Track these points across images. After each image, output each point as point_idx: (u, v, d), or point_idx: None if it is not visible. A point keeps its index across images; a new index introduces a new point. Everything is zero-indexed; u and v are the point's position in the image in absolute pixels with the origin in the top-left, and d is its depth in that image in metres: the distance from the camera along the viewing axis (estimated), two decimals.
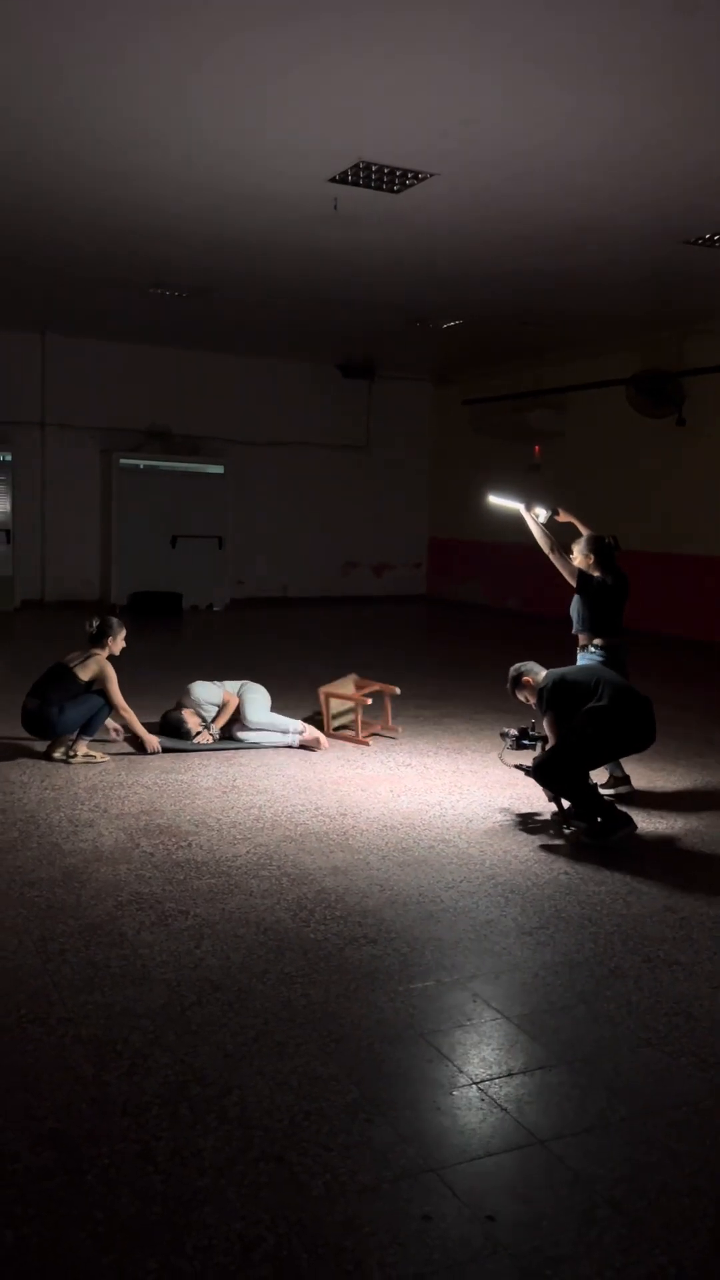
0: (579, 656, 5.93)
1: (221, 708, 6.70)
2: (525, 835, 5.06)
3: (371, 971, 3.52)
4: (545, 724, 5.24)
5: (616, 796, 5.75)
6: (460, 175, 7.22)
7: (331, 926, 3.88)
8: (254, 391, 15.72)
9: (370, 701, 7.05)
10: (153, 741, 6.38)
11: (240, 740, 6.68)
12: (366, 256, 9.54)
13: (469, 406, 16.19)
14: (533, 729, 5.91)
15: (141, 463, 14.70)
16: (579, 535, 6.12)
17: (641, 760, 6.21)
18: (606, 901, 4.27)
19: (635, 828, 5.00)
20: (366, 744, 6.93)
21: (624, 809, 5.19)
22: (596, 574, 5.76)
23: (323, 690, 7.13)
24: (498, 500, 6.18)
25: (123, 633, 6.43)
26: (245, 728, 6.71)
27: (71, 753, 6.15)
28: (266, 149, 6.89)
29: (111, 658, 6.33)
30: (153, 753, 6.33)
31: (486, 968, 3.58)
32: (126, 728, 6.39)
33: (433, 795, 5.72)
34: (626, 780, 5.84)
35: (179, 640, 12.31)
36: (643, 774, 6.14)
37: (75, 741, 6.17)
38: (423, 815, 5.35)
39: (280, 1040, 3.05)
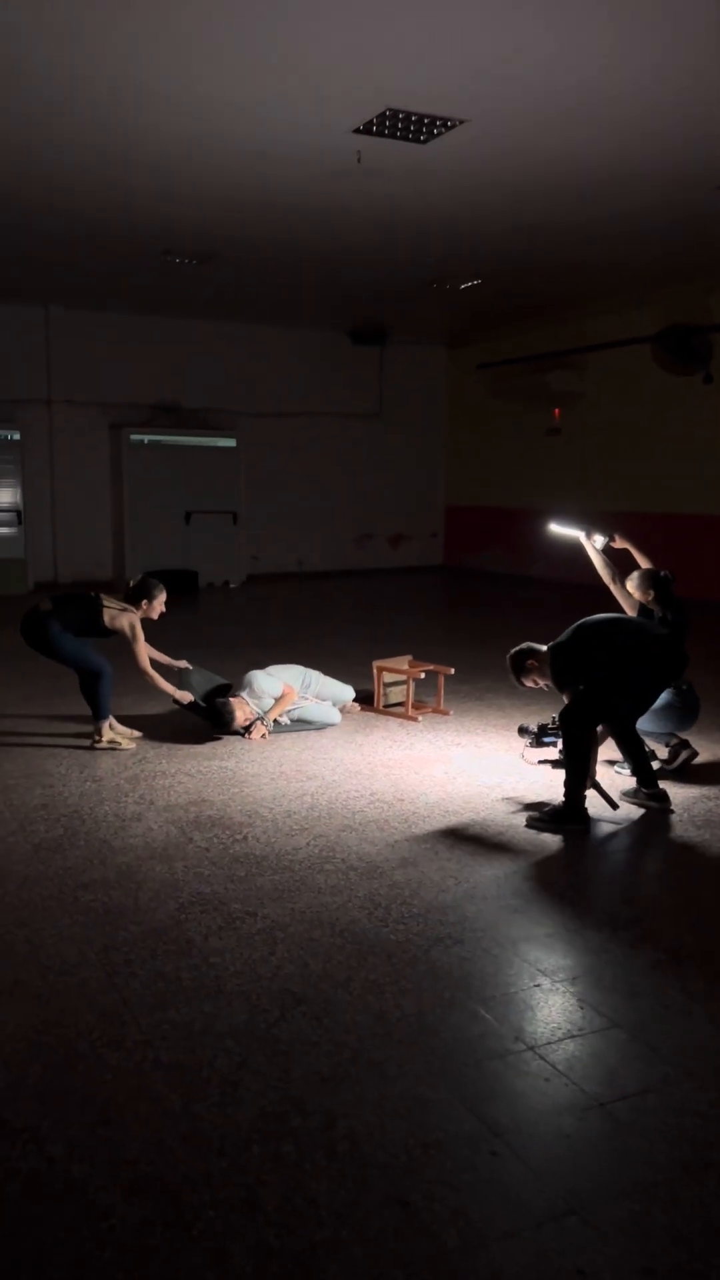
0: None
1: (279, 699, 6.35)
2: (594, 815, 4.78)
3: (464, 976, 3.25)
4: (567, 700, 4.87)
5: (683, 764, 5.49)
6: (492, 120, 6.85)
7: (412, 925, 3.61)
8: (263, 361, 15.34)
9: (423, 676, 6.77)
10: (185, 696, 6.13)
11: (286, 722, 6.44)
12: (387, 214, 9.16)
13: (484, 370, 15.79)
14: (554, 723, 5.66)
15: (152, 438, 14.35)
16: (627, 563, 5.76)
17: (700, 733, 5.92)
18: (698, 888, 3.99)
19: (588, 832, 4.62)
20: (415, 720, 6.66)
21: (662, 786, 4.97)
22: (656, 609, 5.44)
23: (377, 664, 6.87)
24: (558, 529, 5.87)
25: (162, 596, 6.03)
26: (308, 699, 6.50)
27: (96, 737, 5.88)
28: (287, 99, 6.53)
29: (146, 621, 5.99)
30: (188, 704, 6.12)
31: (587, 968, 3.30)
32: (153, 686, 5.97)
33: (489, 776, 5.45)
34: (686, 744, 5.56)
35: (198, 620, 12.01)
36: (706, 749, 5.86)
37: (97, 726, 5.89)
38: (484, 799, 5.07)
39: (379, 1060, 2.78)
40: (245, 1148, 2.41)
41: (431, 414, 16.91)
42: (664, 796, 4.89)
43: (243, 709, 6.15)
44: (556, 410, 14.62)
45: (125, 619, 5.88)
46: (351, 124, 6.94)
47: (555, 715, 5.36)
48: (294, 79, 6.22)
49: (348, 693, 6.80)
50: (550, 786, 5.22)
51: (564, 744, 4.70)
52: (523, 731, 5.78)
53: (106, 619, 5.86)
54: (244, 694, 6.29)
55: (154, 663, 6.04)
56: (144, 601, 5.97)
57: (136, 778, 5.37)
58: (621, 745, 5.01)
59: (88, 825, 4.64)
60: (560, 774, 5.21)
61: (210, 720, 6.13)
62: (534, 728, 5.72)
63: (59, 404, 14.12)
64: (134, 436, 14.20)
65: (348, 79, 6.22)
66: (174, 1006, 3.04)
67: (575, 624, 5.00)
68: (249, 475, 15.07)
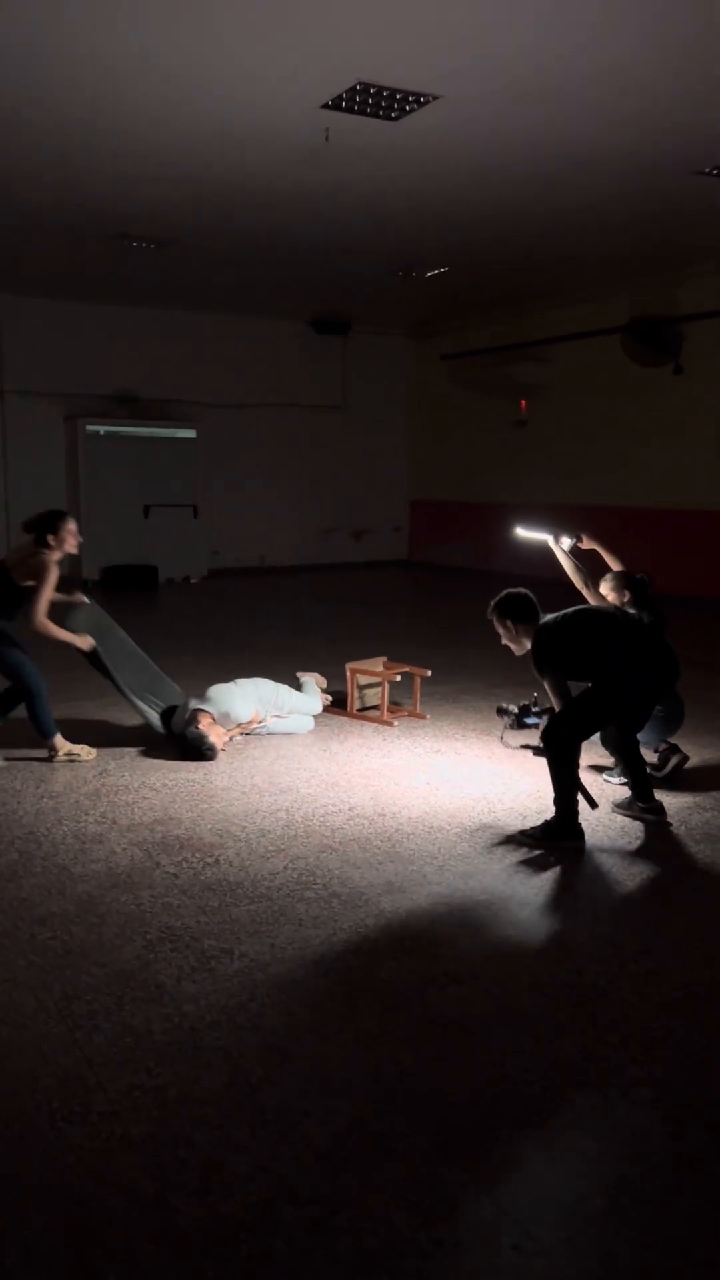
0: None
1: (243, 724, 5.94)
2: (589, 828, 4.49)
3: (466, 1024, 2.94)
4: (547, 686, 4.49)
5: (673, 770, 5.23)
6: (466, 96, 6.52)
7: (403, 962, 3.30)
8: (224, 351, 14.93)
9: (399, 679, 6.46)
10: (85, 641, 5.58)
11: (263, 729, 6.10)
12: (354, 197, 8.82)
13: (449, 362, 15.50)
14: (535, 703, 5.39)
15: (109, 429, 13.89)
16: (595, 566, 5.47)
17: (686, 736, 5.67)
18: (704, 910, 3.72)
19: (583, 848, 4.33)
20: (390, 725, 6.35)
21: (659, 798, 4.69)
22: (633, 612, 5.16)
23: (350, 666, 6.55)
24: (525, 533, 5.57)
25: (71, 525, 5.33)
26: (277, 717, 6.12)
27: (52, 753, 5.48)
28: (254, 72, 6.17)
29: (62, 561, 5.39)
30: (90, 650, 5.60)
31: (605, 1018, 3.00)
32: (47, 636, 5.34)
33: (473, 787, 5.15)
34: (675, 749, 5.30)
35: (160, 617, 11.62)
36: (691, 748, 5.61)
37: (49, 744, 5.49)
38: (469, 812, 4.77)
39: (381, 1131, 2.46)
40: (233, 1249, 2.08)
41: (395, 406, 16.59)
42: (660, 809, 4.62)
43: (216, 731, 5.71)
44: (523, 402, 14.36)
45: (39, 562, 5.21)
46: (321, 99, 6.59)
47: (536, 694, 5.09)
48: (262, 50, 5.86)
49: (318, 705, 6.45)
50: (538, 798, 4.93)
51: (550, 754, 4.37)
52: (502, 712, 5.46)
53: (18, 577, 5.26)
54: (208, 708, 5.78)
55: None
56: (50, 536, 5.29)
57: (97, 793, 5.01)
58: (621, 757, 4.73)
59: (44, 849, 4.28)
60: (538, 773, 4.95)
61: (189, 756, 5.60)
62: (514, 708, 5.42)
63: (11, 394, 13.63)
64: (90, 428, 13.74)
65: (318, 50, 5.88)
66: (144, 1068, 2.70)
67: (574, 609, 4.64)
68: (209, 468, 14.66)
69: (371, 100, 6.61)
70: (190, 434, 14.43)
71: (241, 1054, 2.77)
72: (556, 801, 4.34)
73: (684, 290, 11.81)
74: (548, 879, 4.00)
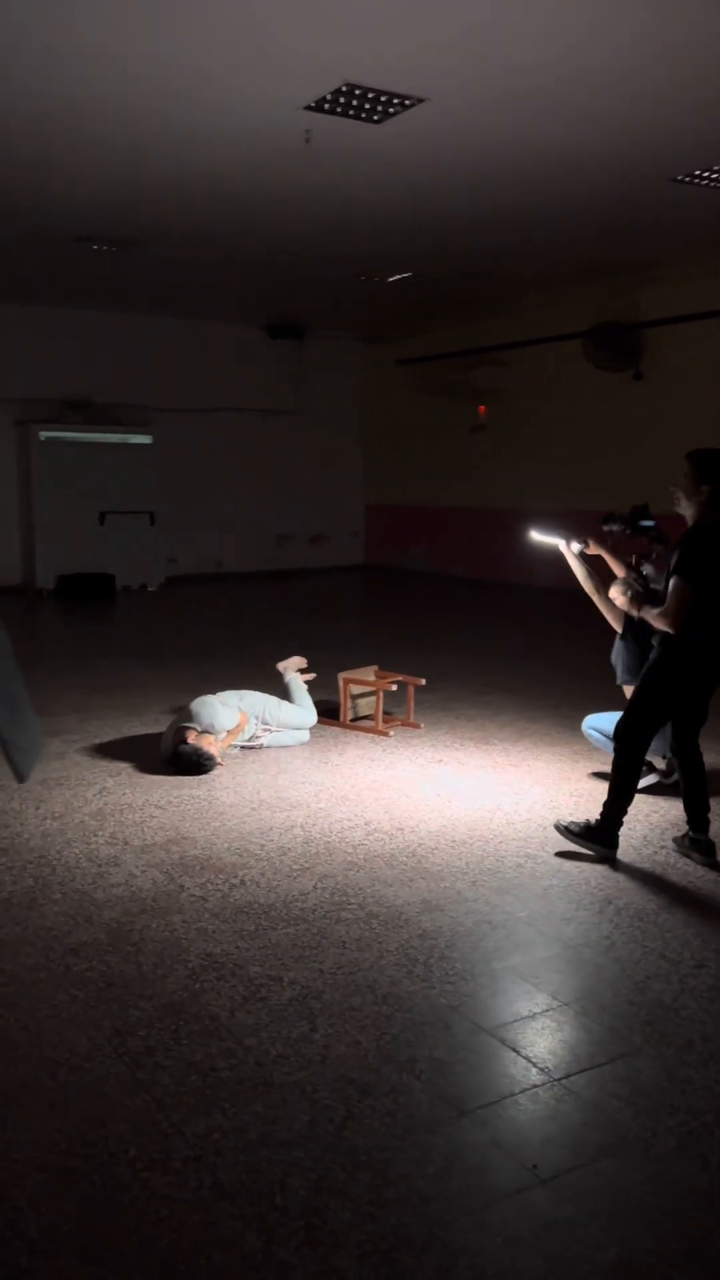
0: None
1: (231, 730, 5.78)
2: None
3: (538, 1049, 2.86)
4: (672, 589, 4.03)
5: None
6: (453, 99, 6.45)
7: (461, 986, 3.20)
8: (177, 356, 14.73)
9: (395, 688, 6.36)
10: None
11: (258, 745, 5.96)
12: (327, 200, 8.71)
13: (405, 367, 15.46)
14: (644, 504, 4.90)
15: (63, 434, 13.59)
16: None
17: None
18: None
19: (612, 860, 4.24)
20: (386, 735, 6.26)
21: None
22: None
23: (342, 676, 6.44)
24: (539, 536, 5.42)
25: None
26: (267, 730, 5.97)
27: None
28: (239, 69, 6.01)
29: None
30: None
31: (677, 1035, 2.94)
32: None
33: (486, 798, 5.07)
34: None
35: (119, 626, 11.40)
36: None
37: None
38: (488, 824, 4.70)
39: (477, 1165, 2.37)
40: None
41: (350, 411, 16.51)
42: (711, 849, 4.30)
43: (206, 741, 5.53)
44: (481, 407, 14.38)
45: None
46: (306, 99, 6.47)
47: (649, 556, 4.72)
48: (248, 46, 5.72)
49: (312, 717, 6.32)
50: (553, 808, 4.87)
51: (617, 756, 4.27)
52: (610, 519, 4.86)
53: None
54: (192, 724, 5.59)
55: None
56: None
57: (102, 813, 4.84)
58: (683, 765, 4.45)
59: (59, 874, 4.11)
60: (547, 781, 4.90)
61: (187, 772, 5.42)
62: (622, 513, 4.83)
63: None
64: (43, 433, 13.44)
65: (306, 48, 5.76)
66: (219, 1108, 2.57)
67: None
68: (165, 473, 14.43)
69: (356, 102, 6.51)
70: (146, 439, 14.19)
71: (316, 1089, 2.65)
72: (607, 805, 4.25)
73: (646, 296, 11.91)
74: (584, 893, 3.93)
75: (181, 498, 14.81)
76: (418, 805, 4.96)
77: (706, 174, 8.02)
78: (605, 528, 5.01)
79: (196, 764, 5.41)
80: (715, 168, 7.87)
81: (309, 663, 6.81)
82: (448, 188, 8.35)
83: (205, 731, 5.58)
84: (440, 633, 10.39)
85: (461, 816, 4.80)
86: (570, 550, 5.19)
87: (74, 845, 4.41)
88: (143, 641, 9.81)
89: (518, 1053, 2.83)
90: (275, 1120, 2.53)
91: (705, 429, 11.51)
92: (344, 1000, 3.11)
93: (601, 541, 5.33)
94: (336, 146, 7.32)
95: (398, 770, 5.57)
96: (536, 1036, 2.92)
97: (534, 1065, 2.78)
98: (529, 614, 11.76)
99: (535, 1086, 2.68)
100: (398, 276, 11.84)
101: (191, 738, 5.50)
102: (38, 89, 6.27)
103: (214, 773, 5.45)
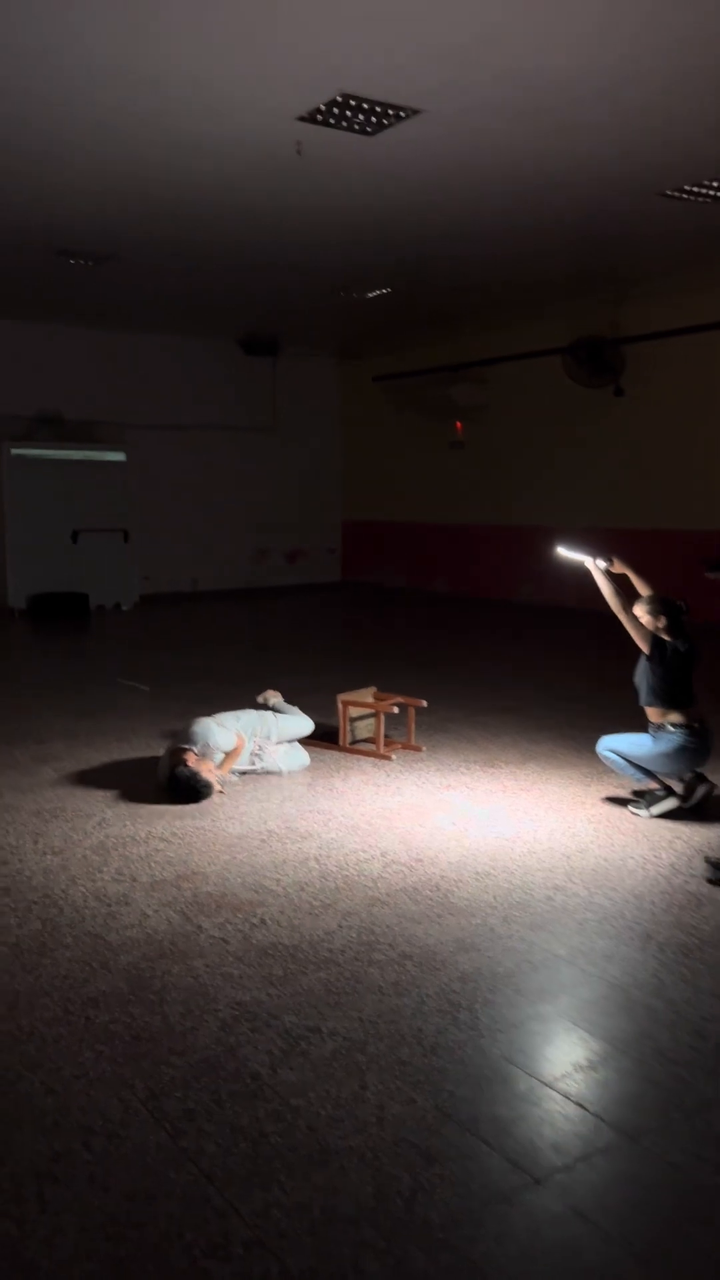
0: (654, 740, 5.07)
1: (229, 754, 5.60)
2: (637, 866, 4.30)
3: (605, 1102, 2.68)
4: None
5: (701, 800, 5.07)
6: (447, 110, 6.35)
7: (511, 1035, 3.02)
8: (151, 372, 14.54)
9: (396, 710, 6.18)
10: None
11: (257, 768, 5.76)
12: (313, 213, 8.58)
13: (381, 383, 15.36)
14: None
15: (34, 452, 13.32)
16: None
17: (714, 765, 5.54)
18: None
19: None
20: (389, 758, 6.08)
21: None
22: (668, 638, 5.01)
23: (341, 698, 6.26)
24: (566, 553, 5.37)
25: None
26: (264, 751, 5.78)
27: None
28: (232, 78, 5.88)
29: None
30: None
31: None
32: None
33: (502, 826, 4.90)
34: (703, 778, 5.14)
35: (96, 647, 11.13)
36: None
37: None
38: (509, 854, 4.52)
39: (564, 1241, 2.18)
40: None
41: (326, 428, 16.39)
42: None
43: (205, 767, 5.33)
44: (459, 424, 14.29)
45: None
46: (299, 110, 6.34)
47: None
48: (244, 55, 5.58)
49: (309, 724, 6.17)
50: (573, 836, 4.72)
51: None
52: (717, 567, 5.27)
53: None
54: (195, 749, 5.41)
55: None
56: None
57: (104, 846, 4.61)
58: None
59: (67, 914, 3.88)
60: (562, 808, 4.75)
61: (184, 799, 5.22)
62: None
63: None
64: (15, 451, 13.15)
65: (302, 57, 5.63)
66: (275, 1181, 2.37)
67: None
68: (139, 491, 14.18)
69: (350, 113, 6.39)
70: (119, 456, 13.95)
71: (377, 1156, 2.46)
72: None
73: (626, 311, 11.88)
74: (622, 928, 3.77)
75: (155, 516, 14.58)
76: (433, 835, 4.78)
77: (695, 188, 7.98)
78: (711, 575, 5.11)
79: (192, 790, 5.20)
80: (705, 182, 7.83)
81: (292, 687, 6.66)
82: (437, 200, 8.25)
83: (202, 755, 5.38)
84: (426, 651, 10.23)
85: (480, 846, 4.62)
86: (596, 567, 5.07)
87: (79, 883, 4.18)
88: (123, 662, 9.55)
89: (584, 1108, 2.65)
90: (337, 1193, 2.33)
91: (685, 445, 11.50)
92: (391, 1052, 2.91)
93: (625, 563, 5.23)
94: (327, 157, 7.19)
95: (406, 796, 5.39)
96: (601, 1089, 2.75)
97: (604, 1121, 2.60)
98: (513, 631, 11.65)
99: (610, 1146, 2.50)
100: (376, 292, 11.73)
101: (190, 760, 5.29)
102: (22, 95, 6.09)
103: (217, 802, 5.24)
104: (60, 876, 4.26)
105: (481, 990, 3.28)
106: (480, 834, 4.79)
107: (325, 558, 16.64)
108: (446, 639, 11.24)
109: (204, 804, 5.20)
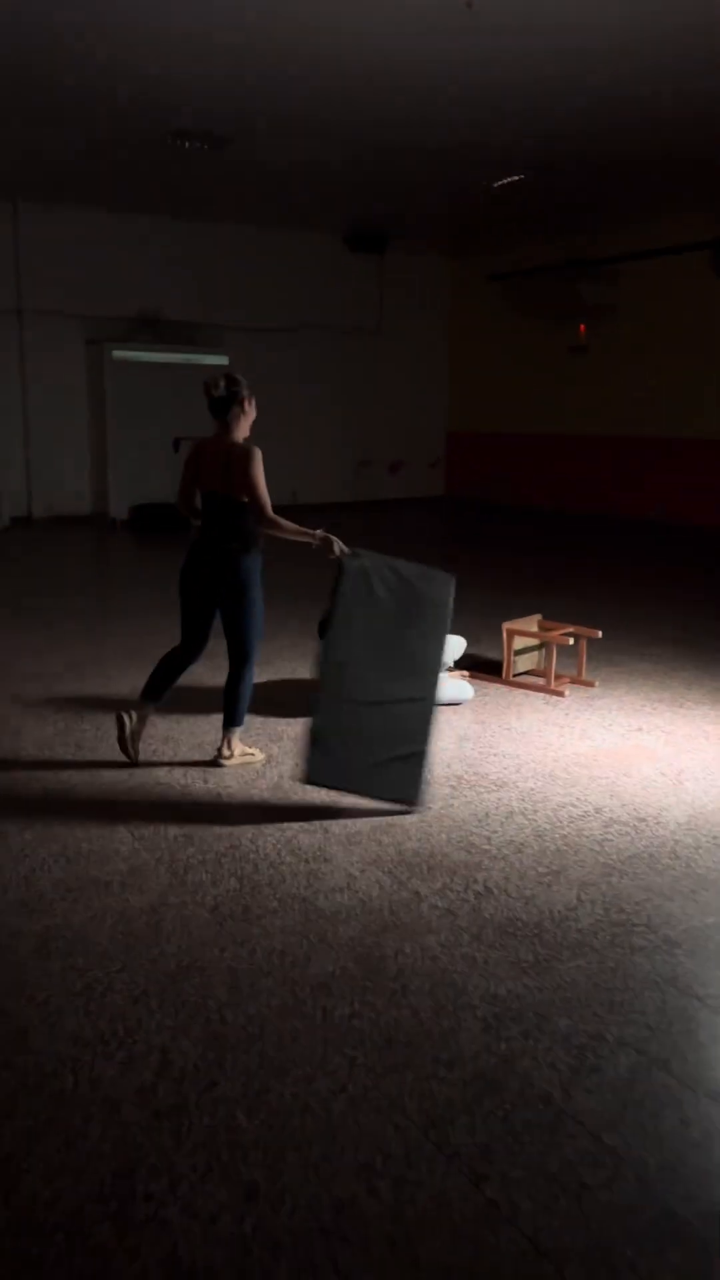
0: None
1: None
2: None
3: None
4: None
5: None
6: None
7: None
8: (253, 269, 13.77)
9: (571, 643, 5.61)
10: (336, 542, 4.43)
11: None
12: (472, 81, 7.68)
13: (498, 282, 14.42)
14: None
15: (136, 355, 12.72)
16: None
17: None
18: None
19: None
20: (561, 694, 5.53)
21: None
22: None
23: (507, 626, 5.70)
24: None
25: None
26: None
27: (227, 753, 4.42)
28: None
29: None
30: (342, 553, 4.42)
31: None
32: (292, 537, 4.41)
33: None
34: None
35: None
36: None
37: (227, 736, 4.42)
38: None
39: None
40: None
41: (436, 330, 15.50)
42: None
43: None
44: (582, 326, 13.37)
45: (250, 460, 4.23)
46: None
47: None
48: None
49: (460, 645, 5.60)
50: None
51: None
52: None
53: (242, 495, 4.29)
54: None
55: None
56: (239, 406, 4.29)
57: (281, 788, 4.14)
58: None
59: (264, 872, 3.42)
60: None
61: None
62: None
63: (30, 314, 12.42)
64: (116, 353, 12.57)
65: None
66: (621, 1259, 1.88)
67: None
68: None
69: None
70: (222, 359, 13.28)
71: None
72: None
73: None
74: None
75: (256, 422, 13.91)
76: (646, 788, 4.24)
77: None
78: None
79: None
80: None
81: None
82: (596, 64, 7.30)
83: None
84: (559, 573, 9.59)
85: (707, 803, 4.07)
86: None
87: (267, 834, 3.72)
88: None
89: None
90: (696, 1274, 1.84)
91: None
92: (704, 1074, 2.40)
93: None
94: (497, 10, 6.34)
95: (596, 740, 4.84)
96: None
97: None
98: (645, 552, 10.92)
99: None
100: (506, 180, 10.79)
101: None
102: None
103: None
104: (243, 825, 3.80)
105: None
106: (699, 787, 4.23)
107: (427, 471, 15.91)
108: (580, 560, 10.57)
109: None
